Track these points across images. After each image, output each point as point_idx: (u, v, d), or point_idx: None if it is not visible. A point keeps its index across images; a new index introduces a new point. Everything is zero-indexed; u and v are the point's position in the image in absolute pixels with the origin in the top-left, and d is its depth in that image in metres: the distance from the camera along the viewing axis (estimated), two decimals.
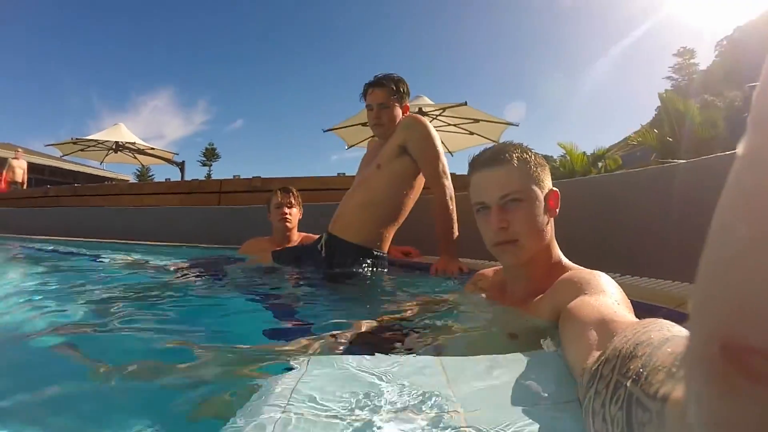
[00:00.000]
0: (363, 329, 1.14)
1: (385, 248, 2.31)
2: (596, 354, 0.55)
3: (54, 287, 1.92)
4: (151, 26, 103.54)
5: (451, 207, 2.19)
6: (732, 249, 0.19)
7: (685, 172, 1.63)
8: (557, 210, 1.10)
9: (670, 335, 0.43)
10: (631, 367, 0.41)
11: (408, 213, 2.33)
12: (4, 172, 10.27)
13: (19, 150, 11.10)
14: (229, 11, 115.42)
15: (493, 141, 9.06)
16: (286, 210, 2.64)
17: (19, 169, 10.51)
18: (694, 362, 0.22)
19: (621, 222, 1.87)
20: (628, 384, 0.39)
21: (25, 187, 10.48)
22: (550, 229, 1.08)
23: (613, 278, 0.88)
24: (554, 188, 1.10)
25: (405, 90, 2.41)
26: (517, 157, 1.06)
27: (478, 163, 1.10)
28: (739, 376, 0.18)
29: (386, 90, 2.34)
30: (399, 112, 2.38)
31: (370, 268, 2.22)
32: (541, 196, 1.06)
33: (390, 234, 2.32)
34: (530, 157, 1.08)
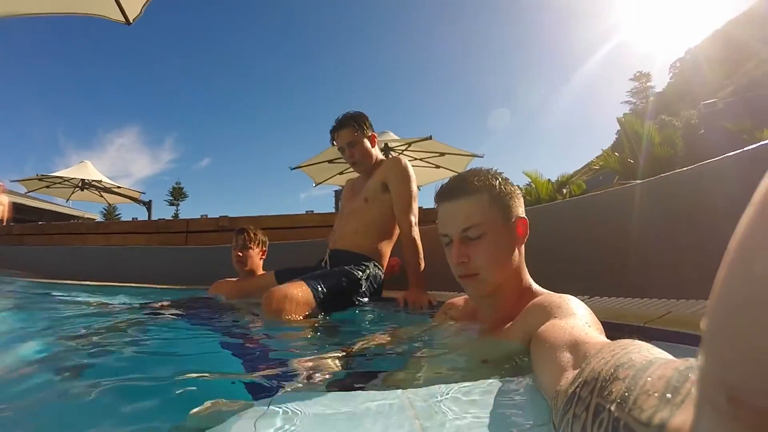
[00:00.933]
0: (331, 364, 1.11)
1: (383, 263, 2.46)
2: (570, 376, 0.55)
3: (11, 326, 1.84)
4: (117, 65, 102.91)
5: (416, 241, 2.29)
6: (748, 291, 0.19)
7: (641, 192, 1.68)
8: (526, 237, 1.08)
9: (652, 357, 0.42)
10: (614, 390, 0.40)
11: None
12: None
13: (2, 184, 9.58)
14: (195, 51, 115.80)
15: (458, 173, 9.15)
16: (240, 253, 2.64)
17: (0, 206, 9.34)
18: (702, 401, 0.21)
19: (583, 245, 1.91)
20: (612, 408, 0.38)
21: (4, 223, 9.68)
22: (517, 257, 1.07)
23: (582, 300, 0.88)
24: (522, 216, 1.09)
25: (366, 122, 2.54)
26: (481, 186, 1.05)
27: (441, 194, 1.10)
28: None
29: (349, 129, 2.50)
30: (368, 143, 2.54)
31: (369, 272, 2.30)
32: (506, 226, 1.05)
33: (387, 250, 2.49)
34: (496, 184, 1.06)
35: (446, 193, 1.09)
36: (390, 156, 2.58)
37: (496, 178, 1.08)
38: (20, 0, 3.86)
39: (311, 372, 1.00)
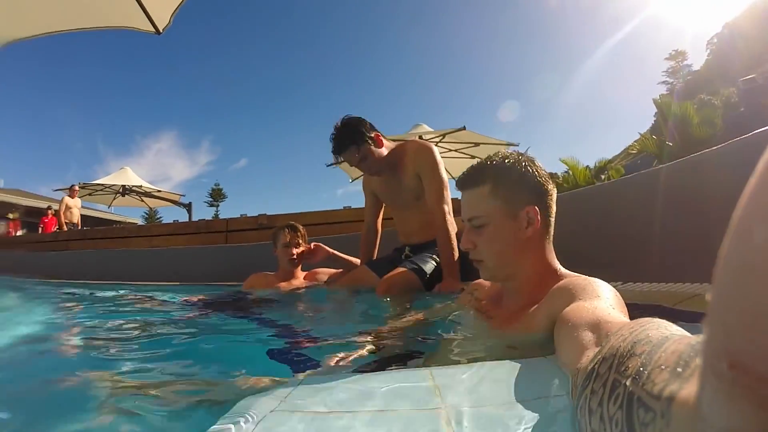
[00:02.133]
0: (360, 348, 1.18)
1: None
2: (591, 354, 0.55)
3: (67, 323, 1.97)
4: (152, 70, 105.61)
5: (449, 230, 2.28)
6: (747, 258, 0.19)
7: (668, 175, 1.65)
8: (538, 225, 1.06)
9: (668, 333, 0.42)
10: (630, 365, 0.40)
11: None
12: (61, 213, 9.10)
13: (76, 187, 9.82)
14: (226, 53, 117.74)
15: None
16: (294, 251, 2.68)
17: (76, 209, 9.42)
18: (706, 370, 0.22)
19: (610, 231, 1.88)
20: (627, 383, 0.39)
21: (79, 226, 9.39)
22: (528, 246, 1.07)
23: (615, 286, 0.87)
24: (533, 205, 1.06)
25: (363, 132, 2.40)
26: (490, 176, 1.07)
27: (457, 183, 1.15)
28: (746, 401, 0.19)
29: (350, 151, 2.40)
30: (375, 149, 2.42)
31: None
32: (510, 217, 1.06)
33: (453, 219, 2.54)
34: (503, 175, 1.07)
35: (460, 182, 1.13)
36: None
37: (515, 167, 1.07)
38: (55, 17, 4.01)
39: (341, 357, 1.05)
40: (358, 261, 2.78)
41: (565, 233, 1.24)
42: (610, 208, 1.87)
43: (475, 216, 1.08)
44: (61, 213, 9.11)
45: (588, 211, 2.14)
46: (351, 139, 2.38)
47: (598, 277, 0.91)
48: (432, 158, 2.40)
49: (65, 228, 8.89)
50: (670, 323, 0.47)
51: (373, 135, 2.42)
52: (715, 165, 1.49)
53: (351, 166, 2.51)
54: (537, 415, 0.54)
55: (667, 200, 1.62)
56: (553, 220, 1.10)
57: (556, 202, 1.12)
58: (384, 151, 2.47)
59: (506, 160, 1.09)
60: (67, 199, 9.40)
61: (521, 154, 1.11)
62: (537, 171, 1.08)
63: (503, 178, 1.07)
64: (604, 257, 1.85)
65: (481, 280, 1.36)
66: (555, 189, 1.11)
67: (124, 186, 10.81)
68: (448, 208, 2.33)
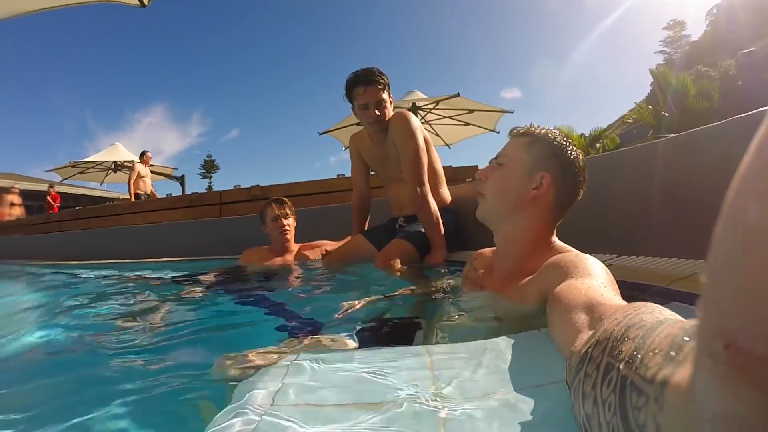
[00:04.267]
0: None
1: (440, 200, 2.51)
2: (585, 336, 0.55)
3: (59, 305, 1.96)
4: (139, 44, 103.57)
5: (426, 198, 2.30)
6: (741, 238, 0.19)
7: (667, 148, 1.64)
8: (546, 195, 1.10)
9: (662, 318, 0.43)
10: (623, 349, 0.41)
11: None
12: (131, 182, 7.99)
13: (149, 154, 8.68)
14: (216, 20, 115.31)
15: (489, 130, 9.01)
16: (284, 222, 2.67)
17: (148, 178, 8.33)
18: (700, 352, 0.22)
19: (609, 202, 1.88)
20: (620, 366, 0.39)
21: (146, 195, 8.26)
22: (526, 206, 1.11)
23: (609, 260, 0.88)
24: (548, 173, 1.10)
25: (389, 81, 2.45)
26: (531, 135, 1.14)
27: (512, 130, 1.21)
28: (741, 382, 0.19)
29: (378, 87, 2.37)
30: (390, 104, 2.45)
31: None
32: (527, 172, 1.11)
33: (447, 195, 2.62)
34: (544, 142, 1.12)
35: (512, 130, 1.20)
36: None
37: (553, 141, 1.12)
38: None
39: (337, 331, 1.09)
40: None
41: None
42: (606, 180, 1.86)
43: (502, 155, 1.16)
44: (131, 182, 7.99)
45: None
46: (382, 77, 2.39)
47: (591, 250, 0.95)
48: (405, 126, 2.36)
49: (132, 199, 7.92)
50: (664, 308, 0.47)
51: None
52: (715, 141, 1.48)
53: (361, 104, 2.41)
54: (532, 403, 0.55)
55: (666, 174, 1.61)
56: (564, 206, 1.13)
57: None
58: (391, 112, 2.47)
59: (563, 139, 1.14)
60: (139, 167, 8.25)
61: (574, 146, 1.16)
62: (578, 159, 1.12)
63: (542, 144, 1.12)
64: (600, 229, 1.86)
65: (483, 250, 1.39)
66: (583, 190, 1.14)
67: (115, 162, 10.73)
68: (422, 178, 2.32)
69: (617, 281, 0.82)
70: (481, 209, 1.19)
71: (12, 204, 9.57)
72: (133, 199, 7.88)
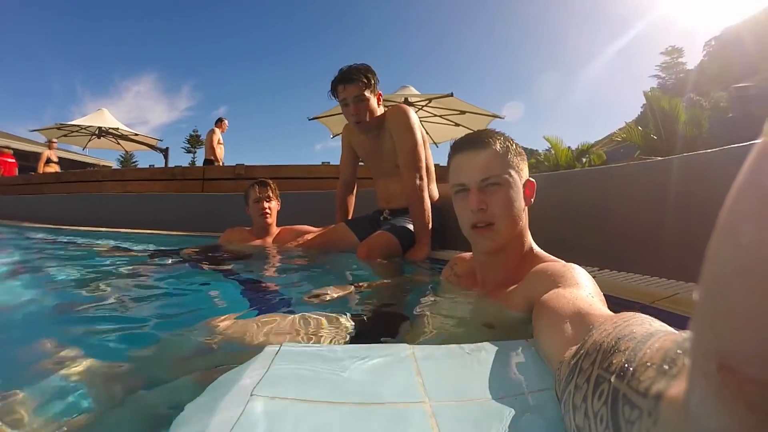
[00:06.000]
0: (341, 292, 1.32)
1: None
2: (573, 347, 0.54)
3: (31, 272, 1.90)
4: (134, 11, 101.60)
5: (422, 193, 2.27)
6: (735, 258, 0.19)
7: (670, 169, 1.63)
8: (532, 200, 1.11)
9: (653, 330, 0.42)
10: (614, 361, 0.40)
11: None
12: (214, 146, 7.56)
13: (225, 121, 8.12)
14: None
15: None
16: (266, 204, 2.64)
17: (220, 146, 7.83)
18: (694, 371, 0.22)
19: (598, 216, 1.89)
20: (611, 379, 0.38)
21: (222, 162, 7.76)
22: (525, 218, 1.09)
23: (590, 272, 0.87)
24: (531, 178, 1.11)
25: (375, 78, 2.41)
26: (499, 142, 1.07)
27: (460, 145, 1.11)
28: (735, 402, 0.18)
29: (357, 84, 2.34)
30: (374, 101, 2.40)
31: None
32: (519, 184, 1.07)
33: (435, 191, 2.55)
34: (510, 144, 1.08)
35: (467, 143, 1.09)
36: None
37: (510, 140, 1.10)
38: None
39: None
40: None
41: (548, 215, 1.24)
42: (599, 192, 1.87)
43: (492, 174, 1.04)
44: (214, 145, 7.60)
45: (576, 193, 2.12)
46: (364, 74, 2.36)
47: (573, 260, 0.93)
48: (405, 119, 2.35)
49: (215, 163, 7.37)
50: (654, 318, 0.47)
51: (378, 89, 2.44)
52: (714, 166, 1.48)
53: (341, 100, 2.40)
54: (518, 411, 0.53)
55: (660, 195, 1.61)
56: None
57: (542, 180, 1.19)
58: (380, 110, 2.46)
59: (508, 136, 1.11)
60: (218, 133, 7.85)
61: None
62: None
63: (515, 149, 1.09)
64: (586, 241, 1.86)
65: (462, 254, 1.37)
66: None
67: (100, 128, 10.46)
68: (422, 172, 2.31)
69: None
70: (494, 241, 1.06)
71: (49, 160, 9.38)
72: (214, 162, 7.50)
